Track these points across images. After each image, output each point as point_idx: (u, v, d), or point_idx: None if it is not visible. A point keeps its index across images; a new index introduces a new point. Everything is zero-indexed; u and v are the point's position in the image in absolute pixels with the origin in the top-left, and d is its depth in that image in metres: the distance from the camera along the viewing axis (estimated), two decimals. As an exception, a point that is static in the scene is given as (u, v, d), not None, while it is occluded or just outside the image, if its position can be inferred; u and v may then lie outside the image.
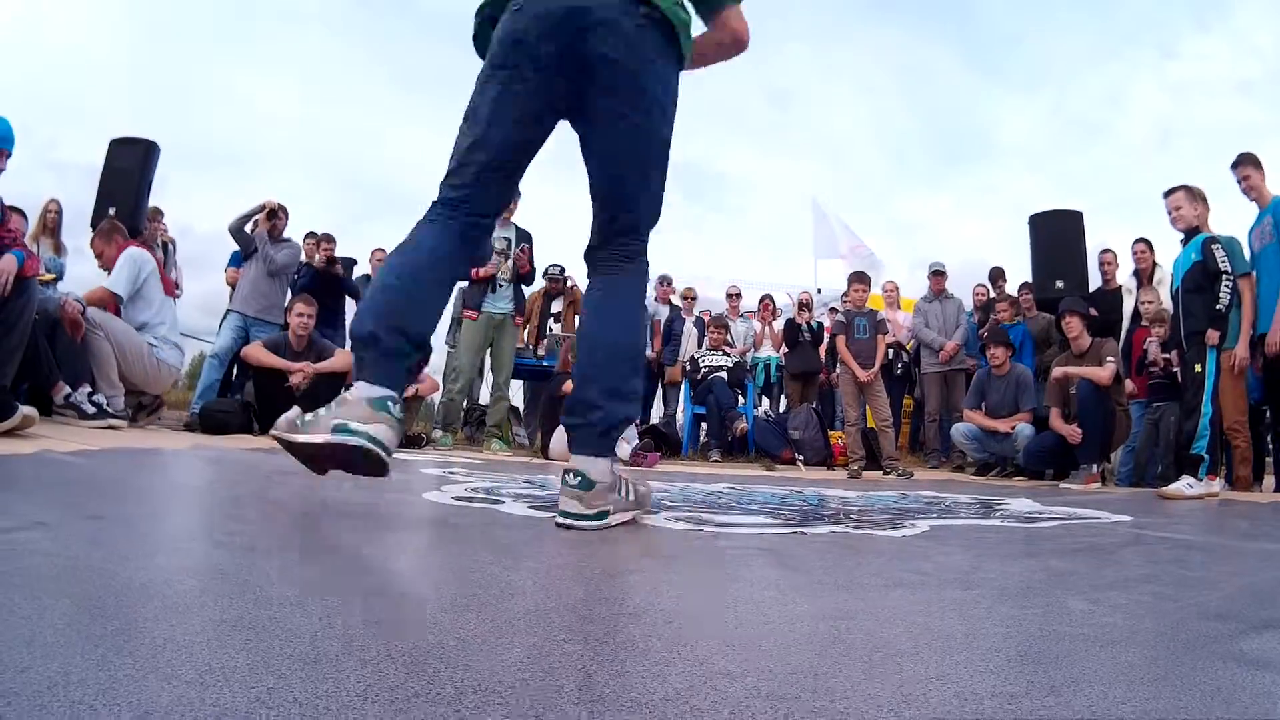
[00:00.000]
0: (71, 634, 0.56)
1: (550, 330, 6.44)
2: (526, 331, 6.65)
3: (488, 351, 5.34)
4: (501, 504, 1.71)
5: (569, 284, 6.66)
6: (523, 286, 5.47)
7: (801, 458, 5.39)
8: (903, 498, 2.62)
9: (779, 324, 7.02)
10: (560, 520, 1.36)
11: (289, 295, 5.38)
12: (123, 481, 1.76)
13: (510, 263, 5.17)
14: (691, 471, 4.00)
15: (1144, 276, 5.25)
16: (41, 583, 0.72)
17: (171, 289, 4.17)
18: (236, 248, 5.48)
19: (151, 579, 0.76)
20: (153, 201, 5.83)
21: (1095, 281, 5.76)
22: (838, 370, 5.46)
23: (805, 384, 6.61)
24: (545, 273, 6.65)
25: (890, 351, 5.90)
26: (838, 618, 0.78)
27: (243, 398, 4.98)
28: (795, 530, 1.51)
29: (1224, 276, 3.52)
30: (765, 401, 6.97)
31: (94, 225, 5.54)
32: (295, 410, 1.35)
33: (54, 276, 4.88)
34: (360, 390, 1.31)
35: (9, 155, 3.01)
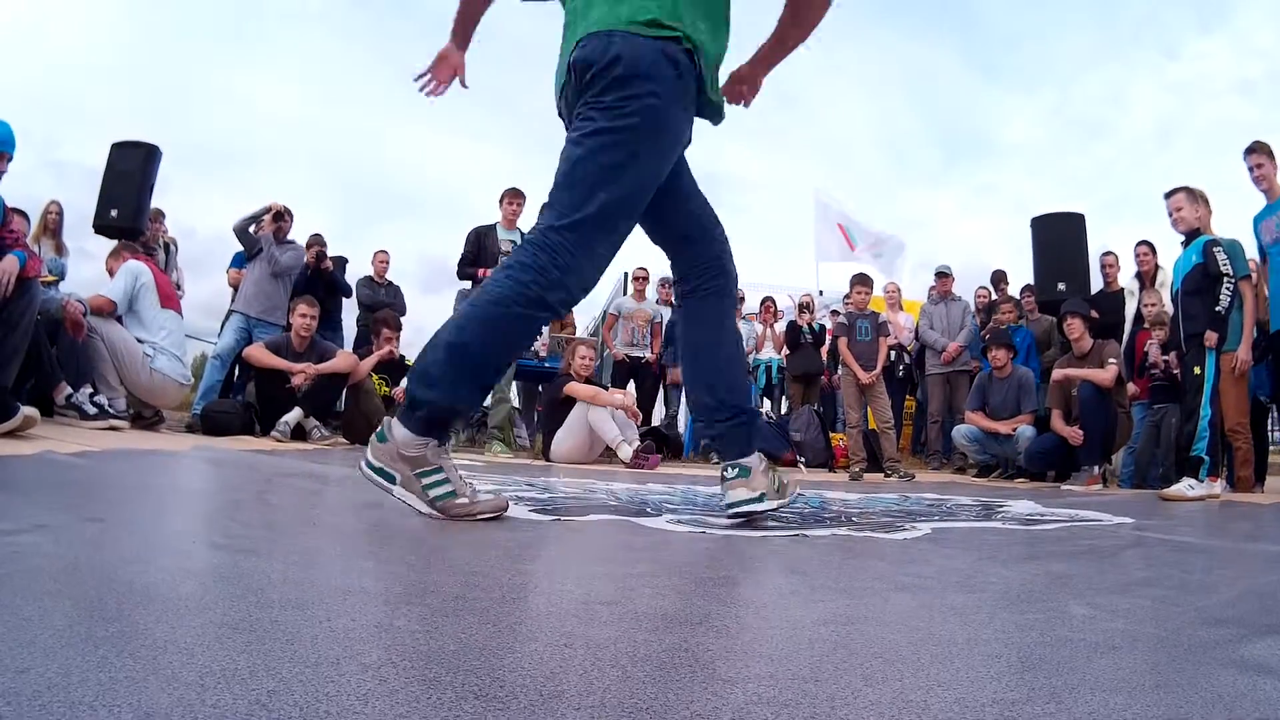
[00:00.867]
0: (72, 635, 0.56)
1: (543, 331, 6.43)
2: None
3: None
4: (502, 506, 1.70)
5: None
6: None
7: (803, 460, 5.39)
8: (904, 500, 2.61)
9: (780, 326, 7.02)
10: (732, 509, 1.56)
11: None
12: (124, 483, 1.76)
13: None
14: (693, 473, 4.00)
15: (1146, 279, 5.24)
16: (42, 584, 0.72)
17: (173, 299, 4.16)
18: (239, 248, 5.49)
19: (152, 581, 0.76)
20: (154, 203, 5.83)
21: (1097, 283, 5.75)
22: (839, 372, 5.46)
23: (807, 386, 6.60)
24: None
25: (892, 353, 5.89)
26: (839, 622, 0.78)
27: (244, 399, 4.99)
28: (797, 533, 1.51)
29: (1225, 279, 3.51)
30: (767, 403, 6.96)
31: (96, 227, 5.56)
32: None
33: (56, 278, 4.89)
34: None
35: (10, 158, 3.02)
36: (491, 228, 5.25)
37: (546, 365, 6.02)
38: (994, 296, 6.56)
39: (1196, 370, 3.53)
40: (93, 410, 3.40)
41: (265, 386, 4.61)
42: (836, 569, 1.17)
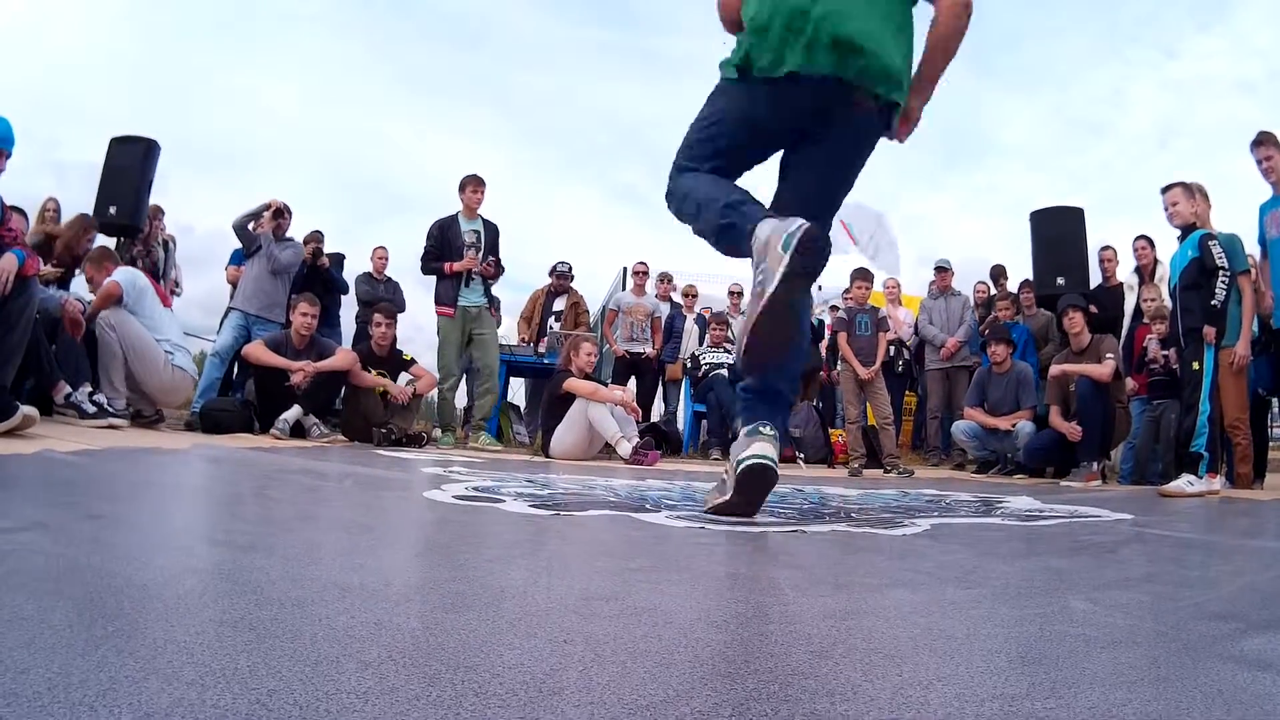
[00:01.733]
0: (72, 635, 0.56)
1: (551, 328, 6.42)
2: (528, 328, 6.64)
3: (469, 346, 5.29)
4: (502, 503, 1.71)
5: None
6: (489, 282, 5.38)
7: (802, 455, 5.39)
8: (903, 496, 2.62)
9: (779, 322, 7.00)
10: (765, 461, 1.59)
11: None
12: (123, 481, 1.76)
13: (478, 256, 5.08)
14: (693, 469, 4.01)
15: (1145, 273, 5.24)
16: (42, 583, 0.72)
17: (167, 301, 4.17)
18: (237, 246, 5.48)
19: (152, 579, 0.76)
20: (153, 200, 5.82)
21: (1096, 278, 5.75)
22: (838, 368, 5.46)
23: (806, 382, 6.60)
24: (554, 269, 6.62)
25: (891, 349, 5.89)
26: (838, 618, 0.78)
27: (244, 396, 4.99)
28: (796, 529, 1.51)
29: (1220, 273, 3.51)
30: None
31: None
32: None
33: (57, 274, 4.87)
34: None
35: (9, 155, 3.01)
36: (454, 218, 5.13)
37: (545, 361, 6.02)
38: (994, 292, 6.56)
39: (1195, 365, 3.53)
40: (91, 409, 3.39)
41: (264, 384, 4.61)
42: (836, 564, 1.17)
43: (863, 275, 5.37)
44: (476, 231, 5.14)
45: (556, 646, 0.62)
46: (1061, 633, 0.75)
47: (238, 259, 5.57)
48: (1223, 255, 3.52)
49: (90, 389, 3.49)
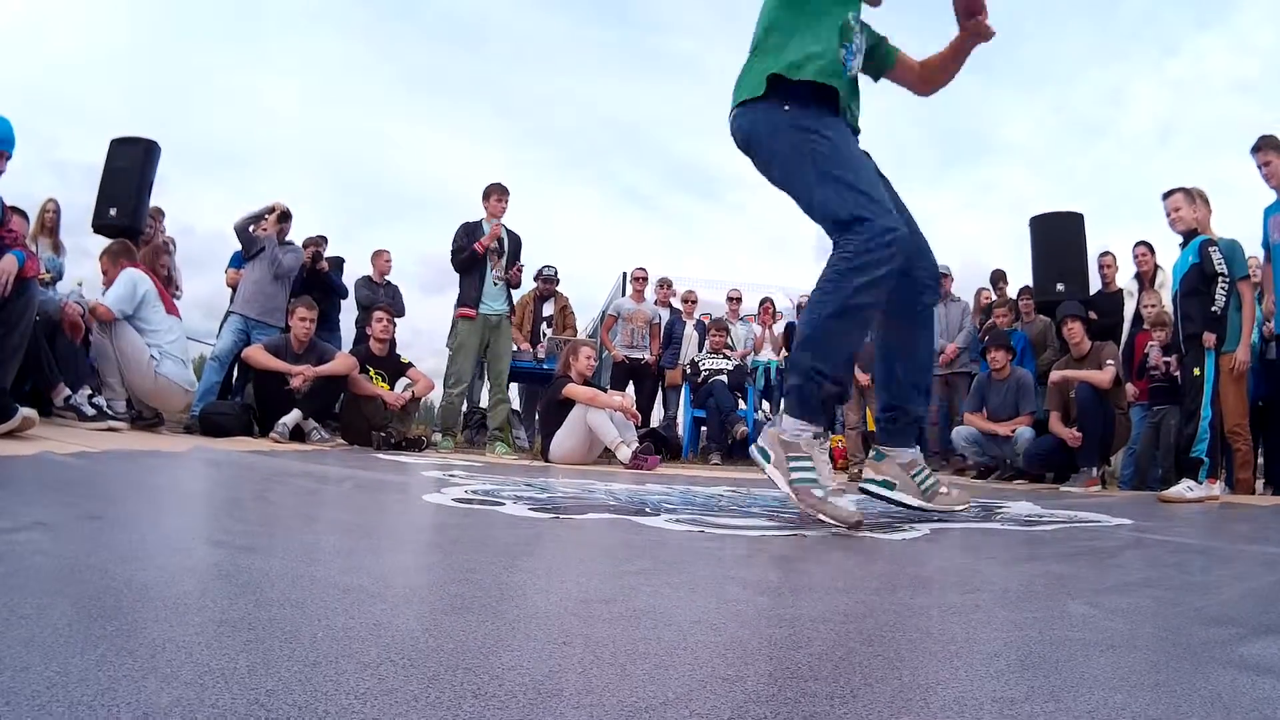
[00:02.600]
0: (71, 634, 0.56)
1: (544, 334, 6.42)
2: (522, 334, 6.64)
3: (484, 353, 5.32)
4: (502, 506, 1.71)
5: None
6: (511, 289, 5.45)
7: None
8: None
9: (779, 327, 7.01)
10: (861, 484, 1.84)
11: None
12: (122, 483, 1.76)
13: (503, 260, 5.16)
14: (692, 474, 4.00)
15: (1145, 279, 5.24)
16: (41, 583, 0.72)
17: (173, 307, 4.16)
18: (237, 248, 5.47)
19: (151, 580, 0.76)
20: (153, 201, 5.82)
21: (1096, 284, 5.75)
22: (838, 373, 5.45)
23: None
24: (539, 274, 6.63)
25: (890, 354, 5.88)
26: (838, 621, 0.78)
27: (243, 400, 4.98)
28: (795, 533, 1.51)
29: (1220, 279, 3.51)
30: (765, 405, 6.96)
31: (95, 226, 5.54)
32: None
33: (52, 276, 4.87)
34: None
35: (9, 156, 3.01)
36: (478, 223, 5.22)
37: (545, 367, 6.02)
38: (994, 297, 6.56)
39: (1196, 371, 3.53)
40: (91, 411, 3.39)
41: (264, 388, 4.61)
42: (835, 568, 1.17)
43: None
44: (500, 239, 5.20)
45: (556, 648, 0.62)
46: (1061, 637, 0.74)
47: (237, 262, 5.56)
48: (1222, 261, 3.53)
49: (90, 391, 3.49)
